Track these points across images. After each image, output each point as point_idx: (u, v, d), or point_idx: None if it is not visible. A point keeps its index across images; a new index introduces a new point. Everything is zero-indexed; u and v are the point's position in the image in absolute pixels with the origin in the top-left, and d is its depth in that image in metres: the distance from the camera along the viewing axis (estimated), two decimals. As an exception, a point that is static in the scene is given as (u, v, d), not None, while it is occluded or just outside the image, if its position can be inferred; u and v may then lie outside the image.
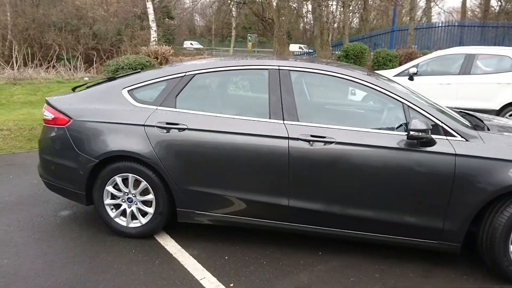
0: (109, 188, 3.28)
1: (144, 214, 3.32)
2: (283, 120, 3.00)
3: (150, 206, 3.28)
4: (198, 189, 3.13)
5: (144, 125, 3.15)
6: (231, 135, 3.03)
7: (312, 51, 22.91)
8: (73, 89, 3.81)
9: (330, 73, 3.12)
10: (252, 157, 3.00)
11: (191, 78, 3.25)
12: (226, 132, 3.03)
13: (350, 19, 21.16)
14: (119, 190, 3.30)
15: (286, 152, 2.93)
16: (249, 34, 37.55)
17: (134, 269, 2.90)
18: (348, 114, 3.38)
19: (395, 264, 3.04)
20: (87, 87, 3.66)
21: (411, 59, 13.51)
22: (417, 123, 2.68)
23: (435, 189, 2.79)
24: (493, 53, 7.66)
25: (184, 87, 3.23)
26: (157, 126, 3.13)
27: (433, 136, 2.78)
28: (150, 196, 3.24)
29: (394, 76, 7.75)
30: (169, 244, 3.27)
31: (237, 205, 3.11)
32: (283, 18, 12.05)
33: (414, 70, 7.76)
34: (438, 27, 22.48)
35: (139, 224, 3.32)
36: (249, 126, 3.02)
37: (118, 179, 3.25)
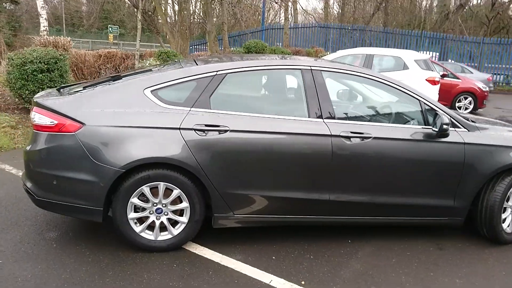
0: (134, 200, 2.94)
1: (173, 224, 3.08)
2: (322, 118, 3.13)
3: (181, 215, 3.06)
4: (240, 192, 3.03)
5: (179, 128, 2.91)
6: (277, 135, 3.02)
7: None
8: (58, 89, 3.26)
9: (358, 74, 3.35)
10: (297, 155, 3.05)
11: (224, 78, 3.11)
12: (271, 132, 3.01)
13: (229, 17, 21.68)
14: (146, 201, 2.98)
15: (330, 148, 3.07)
16: (110, 26, 34.92)
17: (194, 284, 2.70)
18: (376, 111, 3.65)
19: (414, 243, 3.45)
20: (84, 87, 3.18)
21: (298, 57, 14.61)
22: (445, 119, 3.11)
23: (451, 173, 3.28)
24: (388, 54, 8.90)
25: (217, 87, 3.07)
26: (195, 129, 2.93)
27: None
28: (184, 204, 3.01)
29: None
30: (207, 253, 3.09)
31: (280, 204, 3.12)
32: (185, 12, 11.76)
33: (326, 68, 8.52)
34: (306, 27, 24.64)
35: (170, 236, 3.06)
36: (291, 126, 3.06)
37: (146, 189, 2.93)
